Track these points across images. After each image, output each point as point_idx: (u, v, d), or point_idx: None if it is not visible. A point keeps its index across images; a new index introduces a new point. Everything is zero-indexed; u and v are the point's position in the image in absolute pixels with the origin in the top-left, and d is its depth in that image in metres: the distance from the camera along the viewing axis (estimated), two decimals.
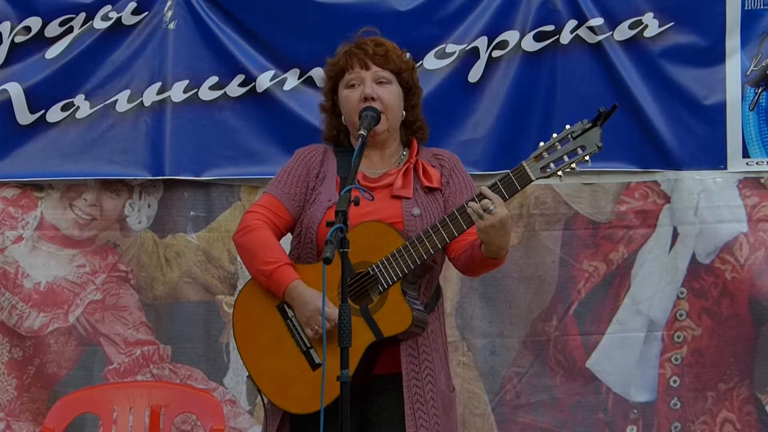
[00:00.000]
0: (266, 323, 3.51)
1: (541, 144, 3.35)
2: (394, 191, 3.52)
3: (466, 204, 3.35)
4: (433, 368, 3.49)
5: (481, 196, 3.32)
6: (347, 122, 3.60)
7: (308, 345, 3.44)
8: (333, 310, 3.29)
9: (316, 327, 3.39)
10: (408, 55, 3.69)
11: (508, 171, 3.36)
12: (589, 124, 3.30)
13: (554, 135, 3.34)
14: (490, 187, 3.35)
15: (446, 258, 3.61)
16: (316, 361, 3.41)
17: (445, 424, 3.48)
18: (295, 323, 3.47)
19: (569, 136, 3.32)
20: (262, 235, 3.52)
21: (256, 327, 3.53)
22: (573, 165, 3.32)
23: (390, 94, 3.54)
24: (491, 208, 3.27)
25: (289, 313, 3.48)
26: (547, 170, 3.33)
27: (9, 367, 4.91)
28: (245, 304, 3.58)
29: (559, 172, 3.33)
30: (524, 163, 3.35)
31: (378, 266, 3.40)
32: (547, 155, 3.33)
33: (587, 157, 3.32)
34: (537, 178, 3.33)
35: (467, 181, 3.62)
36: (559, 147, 3.33)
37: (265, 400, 3.54)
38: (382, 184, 3.55)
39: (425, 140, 3.69)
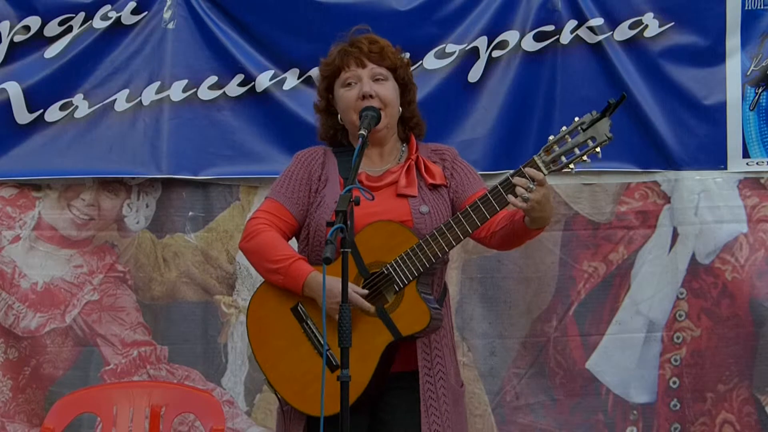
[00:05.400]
0: (281, 327, 3.48)
1: (551, 137, 3.31)
2: (399, 190, 3.52)
3: (491, 194, 3.33)
4: (444, 364, 3.50)
5: (509, 183, 3.30)
6: (345, 121, 3.60)
7: (326, 347, 3.38)
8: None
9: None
10: (407, 54, 3.68)
11: (521, 166, 3.32)
12: (598, 115, 3.25)
13: (564, 128, 3.29)
14: (502, 182, 3.32)
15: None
16: (335, 363, 3.34)
17: (455, 420, 3.48)
18: (311, 326, 3.44)
19: (579, 128, 3.27)
20: (269, 236, 3.50)
21: (271, 331, 3.50)
22: (584, 157, 3.27)
23: (388, 91, 3.55)
24: (531, 185, 3.25)
25: (305, 315, 3.45)
26: (558, 163, 3.29)
27: (4, 368, 4.89)
28: (258, 309, 3.55)
29: (571, 165, 3.29)
30: (536, 158, 3.30)
31: (392, 266, 3.39)
32: (557, 148, 3.29)
33: (598, 149, 3.26)
34: (549, 172, 3.29)
35: (470, 169, 3.64)
36: (570, 139, 3.28)
37: (285, 405, 3.52)
38: (386, 182, 3.55)
39: (423, 136, 3.70)
